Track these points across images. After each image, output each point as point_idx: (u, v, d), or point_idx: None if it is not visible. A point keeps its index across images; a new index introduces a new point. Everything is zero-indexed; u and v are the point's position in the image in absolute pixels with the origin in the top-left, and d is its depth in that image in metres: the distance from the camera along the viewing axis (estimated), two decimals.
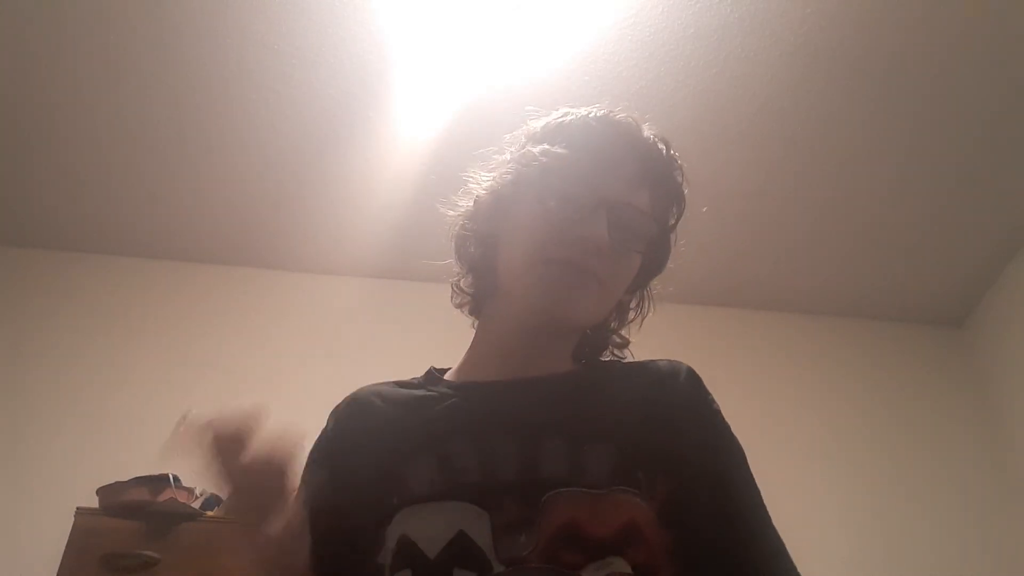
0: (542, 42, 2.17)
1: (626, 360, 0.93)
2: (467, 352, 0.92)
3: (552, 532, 0.69)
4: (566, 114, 0.88)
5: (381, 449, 0.80)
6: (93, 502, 2.04)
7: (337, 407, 0.89)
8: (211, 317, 2.82)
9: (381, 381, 0.91)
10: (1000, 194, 2.63)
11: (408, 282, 2.86)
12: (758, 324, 3.08)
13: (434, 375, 0.90)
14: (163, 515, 1.98)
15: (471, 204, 0.90)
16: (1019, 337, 2.86)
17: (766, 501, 0.81)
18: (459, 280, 0.92)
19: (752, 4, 2.07)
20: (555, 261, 0.80)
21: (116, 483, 2.04)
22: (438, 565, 0.69)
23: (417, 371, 0.92)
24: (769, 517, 0.80)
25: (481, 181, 0.90)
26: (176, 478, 2.05)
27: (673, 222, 0.89)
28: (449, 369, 0.92)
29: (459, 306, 0.93)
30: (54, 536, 1.97)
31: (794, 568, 0.77)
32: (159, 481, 2.03)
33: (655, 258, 0.90)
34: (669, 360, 0.88)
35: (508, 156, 0.89)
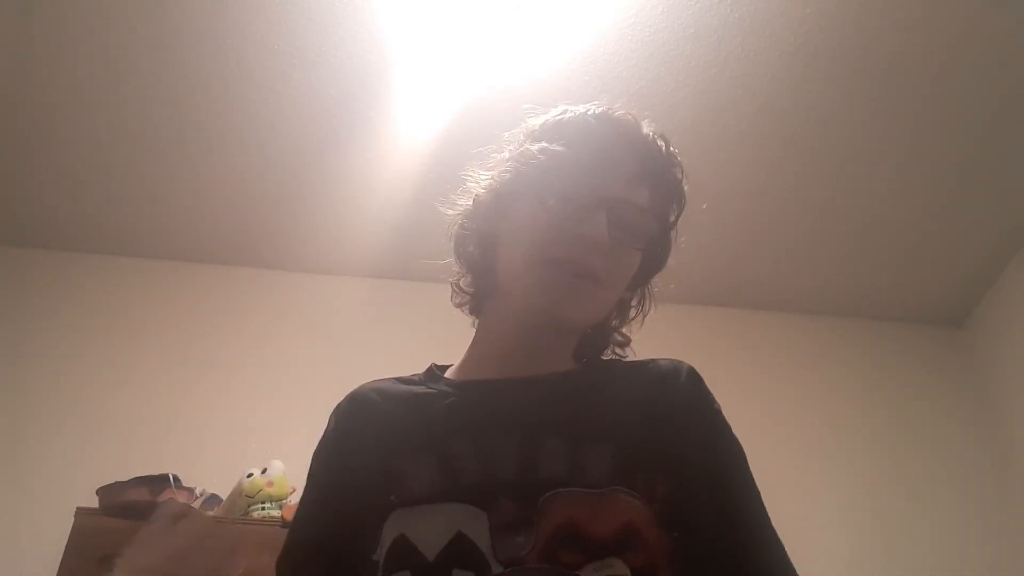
0: (542, 42, 2.17)
1: (627, 359, 0.92)
2: (467, 351, 0.92)
3: (551, 532, 0.69)
4: (564, 112, 0.88)
5: (381, 448, 0.80)
6: (93, 502, 2.04)
7: (338, 406, 0.89)
8: (211, 317, 2.82)
9: (382, 377, 0.91)
10: (1000, 194, 2.63)
11: (408, 282, 2.86)
12: (758, 324, 3.08)
13: (435, 372, 0.90)
14: None
15: (470, 203, 0.90)
16: (1019, 337, 2.86)
17: (766, 501, 0.81)
18: (459, 280, 0.92)
19: (752, 4, 2.07)
20: (555, 260, 0.79)
21: (116, 483, 2.04)
22: (437, 566, 0.69)
23: (417, 371, 0.92)
24: (769, 518, 0.80)
25: (480, 180, 0.90)
26: (176, 478, 2.06)
27: (673, 219, 0.88)
28: (450, 366, 0.92)
29: (459, 305, 0.93)
30: (54, 536, 1.97)
31: (793, 570, 0.77)
32: (159, 481, 2.03)
33: (656, 256, 0.89)
34: (670, 359, 0.87)
35: (507, 155, 0.89)
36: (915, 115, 2.37)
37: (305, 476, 0.88)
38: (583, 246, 0.79)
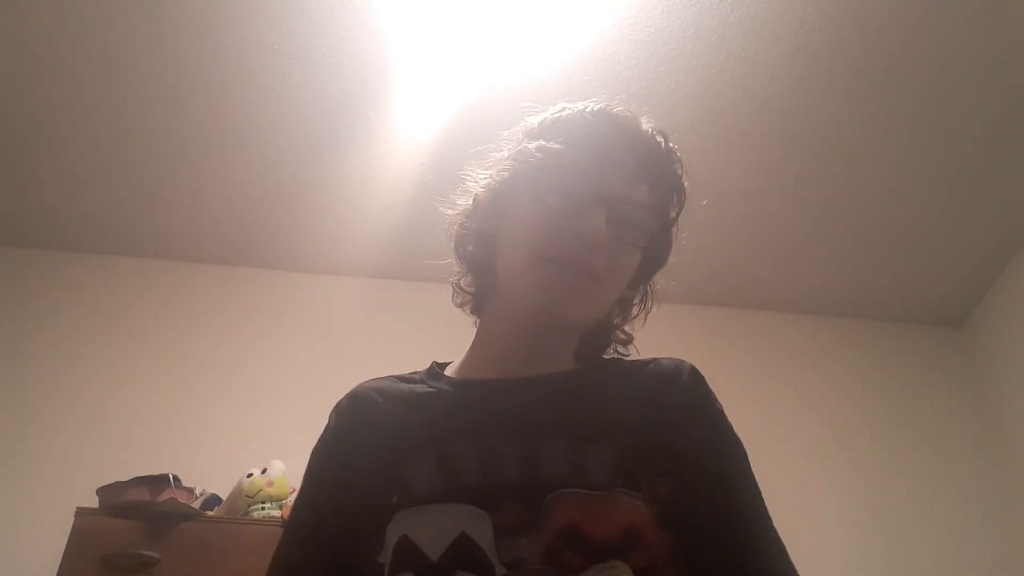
0: (542, 42, 2.17)
1: (629, 358, 0.92)
2: (468, 351, 0.91)
3: (554, 534, 0.69)
4: (563, 109, 0.87)
5: (382, 447, 0.80)
6: (93, 502, 2.04)
7: (338, 404, 0.88)
8: (211, 317, 2.82)
9: (382, 376, 0.90)
10: (1000, 194, 2.63)
11: (408, 282, 2.86)
12: (758, 324, 3.08)
13: (436, 371, 0.89)
14: (163, 515, 1.98)
15: (469, 202, 0.90)
16: (1019, 337, 2.86)
17: (766, 501, 0.81)
18: (460, 279, 0.92)
19: (752, 4, 2.07)
20: (554, 259, 0.79)
21: (116, 483, 2.04)
22: (440, 567, 0.69)
23: (417, 371, 0.91)
24: (770, 518, 0.80)
25: (479, 179, 0.90)
26: (176, 478, 2.06)
27: (674, 216, 0.88)
28: (451, 364, 0.91)
29: (460, 305, 0.93)
30: (54, 536, 1.97)
31: (794, 570, 0.77)
32: (159, 481, 2.03)
33: (656, 253, 0.88)
34: (672, 358, 0.87)
35: (505, 153, 0.88)
36: (915, 115, 2.37)
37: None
38: (583, 244, 0.78)
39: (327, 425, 0.87)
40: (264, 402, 2.63)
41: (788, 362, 3.01)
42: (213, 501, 2.22)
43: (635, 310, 0.92)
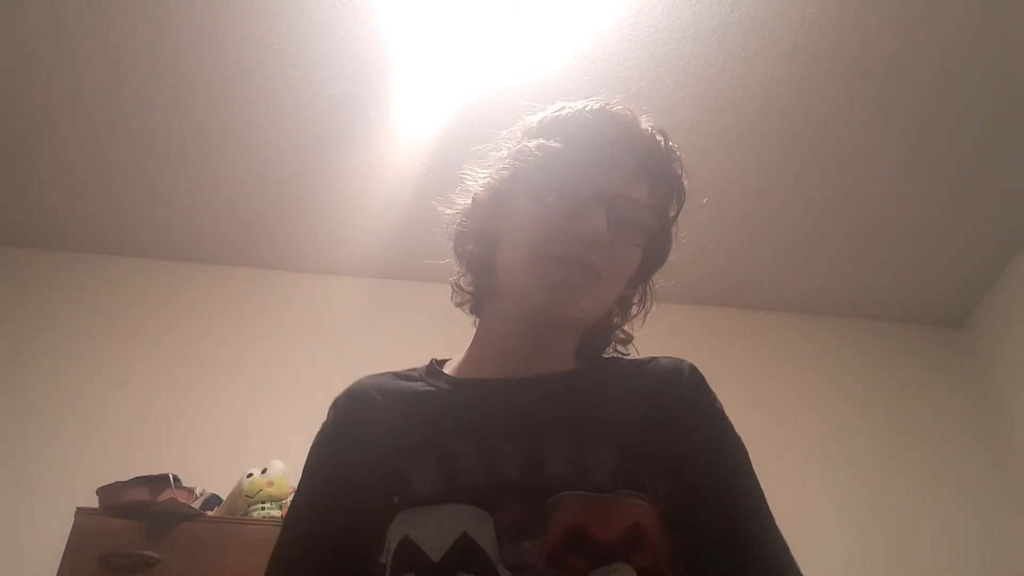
0: (542, 42, 2.17)
1: (629, 357, 0.91)
2: (468, 350, 0.91)
3: (558, 537, 0.69)
4: (562, 108, 0.87)
5: (381, 446, 0.79)
6: (93, 502, 2.04)
7: (336, 400, 0.88)
8: (211, 317, 2.82)
9: (380, 372, 0.90)
10: (1000, 194, 2.63)
11: (408, 282, 2.86)
12: (758, 324, 3.08)
13: (435, 368, 0.89)
14: (163, 515, 1.98)
15: (468, 202, 0.89)
16: (1019, 337, 2.86)
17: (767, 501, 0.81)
18: (458, 279, 0.91)
19: (752, 4, 2.07)
20: (554, 258, 0.79)
21: (116, 483, 2.04)
22: (442, 568, 0.69)
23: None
24: (772, 518, 0.79)
25: (478, 178, 0.89)
26: (176, 478, 2.06)
27: (673, 214, 0.88)
28: (450, 360, 0.91)
29: (459, 305, 0.92)
30: (54, 536, 1.97)
31: (797, 570, 0.76)
32: (159, 481, 2.03)
33: (656, 251, 0.88)
34: (671, 357, 0.87)
35: (505, 152, 0.88)
36: (915, 115, 2.37)
37: None
38: (583, 243, 0.78)
39: (325, 421, 0.87)
40: (264, 402, 2.63)
41: (788, 362, 3.01)
42: (213, 501, 2.22)
43: (634, 309, 0.91)
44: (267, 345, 2.78)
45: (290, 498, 2.13)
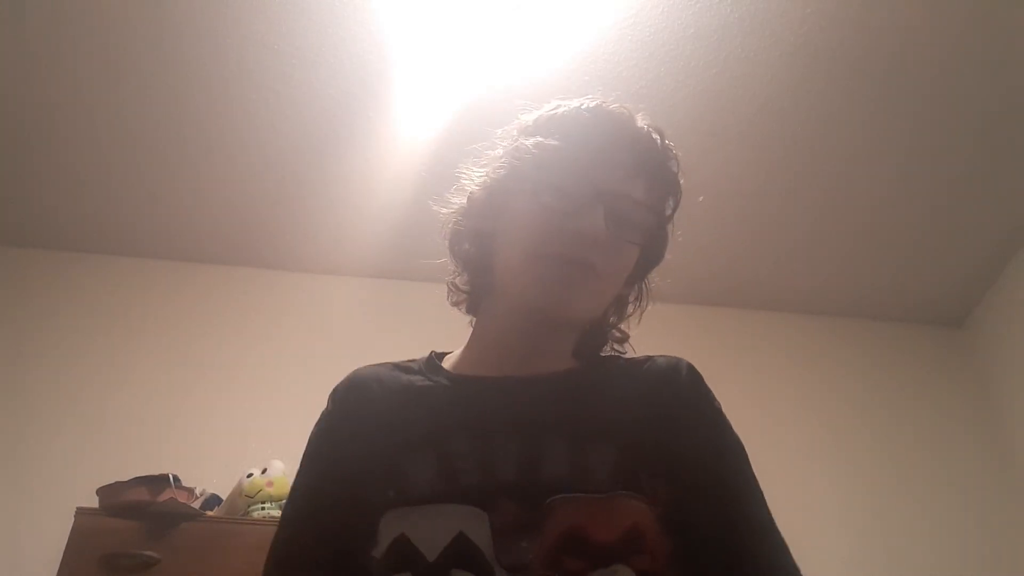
0: (542, 42, 2.17)
1: (626, 356, 0.91)
2: (465, 348, 0.91)
3: (555, 538, 0.68)
4: (558, 106, 0.87)
5: (379, 438, 0.79)
6: (93, 502, 2.03)
7: (336, 389, 0.87)
8: (211, 317, 2.82)
9: (379, 363, 0.89)
10: (1000, 194, 2.63)
11: (408, 282, 2.86)
12: (758, 324, 3.08)
13: (435, 363, 0.89)
14: (163, 515, 1.98)
15: (464, 201, 0.89)
16: (1019, 337, 2.86)
17: (766, 501, 0.81)
18: (455, 278, 0.91)
19: (752, 4, 2.07)
20: (552, 257, 0.78)
21: (116, 483, 2.03)
22: (438, 567, 0.68)
23: None
24: (772, 518, 0.79)
25: (474, 177, 0.89)
26: (176, 478, 2.05)
27: (670, 212, 0.87)
28: (449, 354, 0.91)
29: (456, 304, 0.92)
30: (54, 536, 1.97)
31: (797, 570, 0.76)
32: (159, 481, 2.03)
33: (653, 249, 0.88)
34: (668, 356, 0.87)
35: (501, 151, 0.88)
36: (915, 115, 2.37)
37: None
38: (581, 241, 0.78)
39: (324, 409, 0.87)
40: (264, 402, 2.63)
41: (788, 362, 3.01)
42: (213, 501, 2.22)
43: (631, 308, 0.91)
44: (267, 345, 2.78)
45: None
